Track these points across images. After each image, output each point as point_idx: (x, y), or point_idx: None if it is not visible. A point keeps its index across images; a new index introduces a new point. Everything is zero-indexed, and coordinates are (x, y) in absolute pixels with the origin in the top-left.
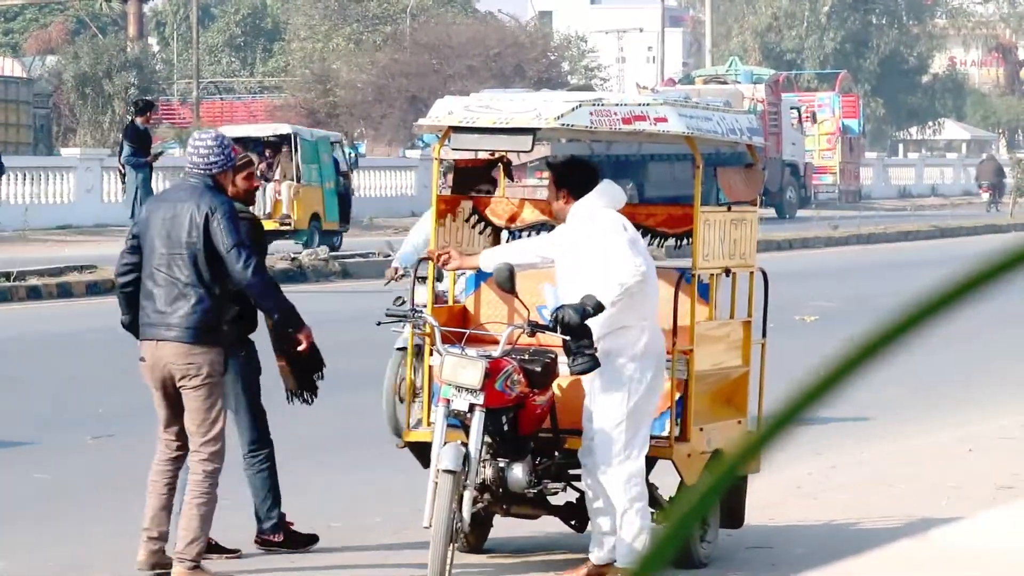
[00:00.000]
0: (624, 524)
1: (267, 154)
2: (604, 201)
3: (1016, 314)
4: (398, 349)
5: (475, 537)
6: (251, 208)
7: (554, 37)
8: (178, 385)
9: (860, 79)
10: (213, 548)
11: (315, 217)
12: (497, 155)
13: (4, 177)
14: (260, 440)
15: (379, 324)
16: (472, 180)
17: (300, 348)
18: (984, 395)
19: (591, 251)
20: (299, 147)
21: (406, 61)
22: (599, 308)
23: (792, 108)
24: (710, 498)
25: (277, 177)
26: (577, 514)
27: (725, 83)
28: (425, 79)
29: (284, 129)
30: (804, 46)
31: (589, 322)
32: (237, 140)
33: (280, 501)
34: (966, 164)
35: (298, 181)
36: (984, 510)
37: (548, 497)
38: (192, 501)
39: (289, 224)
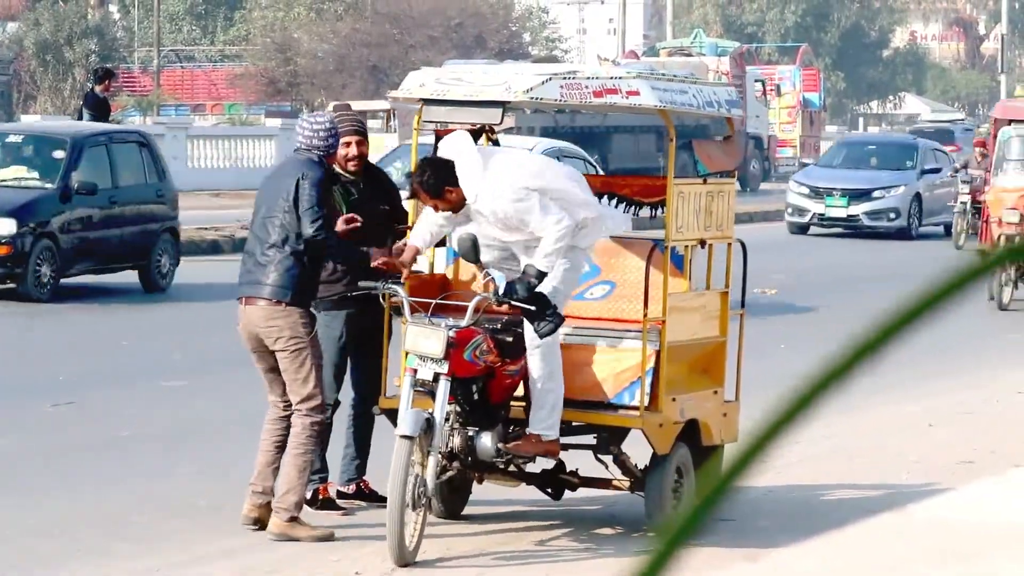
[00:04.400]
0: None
1: None
2: (493, 171)
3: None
4: None
5: (452, 504)
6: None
7: (515, 8)
8: (269, 348)
9: (821, 53)
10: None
11: None
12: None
13: None
14: (374, 396)
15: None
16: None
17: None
18: (944, 370)
19: (514, 229)
20: None
21: (367, 31)
22: (541, 276)
23: (756, 80)
24: (698, 518)
25: None
26: (553, 482)
27: (690, 55)
28: (386, 49)
29: None
30: (765, 19)
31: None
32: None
33: (367, 456)
34: None
35: None
36: (959, 484)
37: (523, 466)
38: (290, 452)
39: None
